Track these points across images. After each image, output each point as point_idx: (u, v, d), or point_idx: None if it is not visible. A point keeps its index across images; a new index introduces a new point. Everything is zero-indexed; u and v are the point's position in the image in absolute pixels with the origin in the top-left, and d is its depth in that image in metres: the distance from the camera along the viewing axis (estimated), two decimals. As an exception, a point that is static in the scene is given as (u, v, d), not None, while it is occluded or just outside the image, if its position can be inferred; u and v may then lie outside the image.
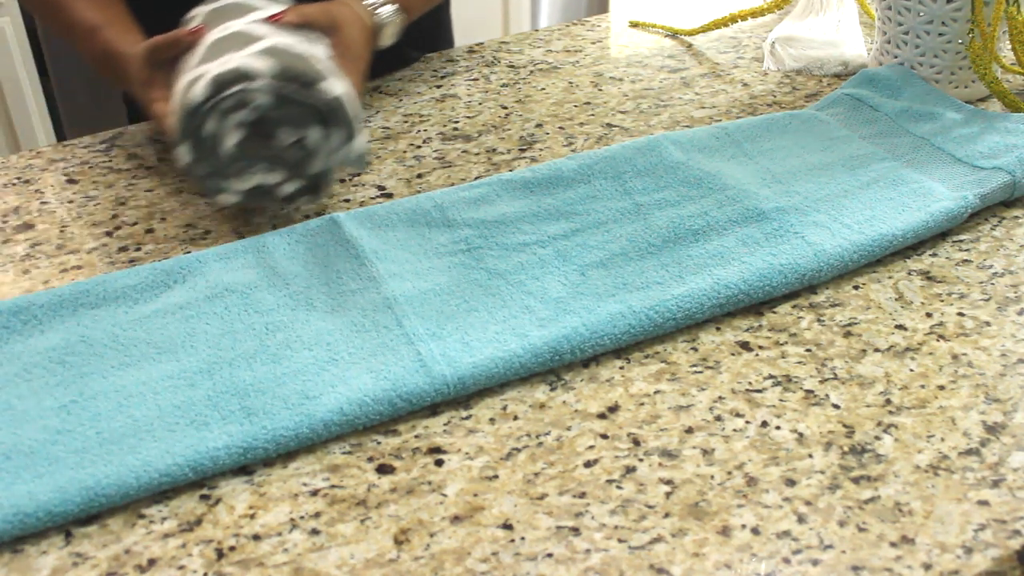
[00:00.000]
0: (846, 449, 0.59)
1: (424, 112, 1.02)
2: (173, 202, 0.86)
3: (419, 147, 0.95)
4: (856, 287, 0.74)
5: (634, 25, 1.25)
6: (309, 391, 0.62)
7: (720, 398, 0.63)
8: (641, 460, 0.59)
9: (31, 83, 2.13)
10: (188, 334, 0.68)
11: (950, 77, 0.99)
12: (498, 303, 0.70)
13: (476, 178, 0.88)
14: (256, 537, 0.54)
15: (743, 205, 0.80)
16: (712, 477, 0.57)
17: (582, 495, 0.56)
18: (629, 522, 0.55)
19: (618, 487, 0.57)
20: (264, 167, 0.77)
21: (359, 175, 0.89)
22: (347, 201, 0.86)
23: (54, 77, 2.12)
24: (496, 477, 0.58)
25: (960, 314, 0.71)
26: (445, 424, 0.62)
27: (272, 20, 0.84)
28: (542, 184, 0.83)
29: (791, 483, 0.57)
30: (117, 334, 0.68)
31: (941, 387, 0.64)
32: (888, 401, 0.63)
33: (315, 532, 0.55)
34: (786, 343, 0.68)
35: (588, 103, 1.04)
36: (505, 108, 1.03)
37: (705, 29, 1.19)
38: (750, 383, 0.65)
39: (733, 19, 1.19)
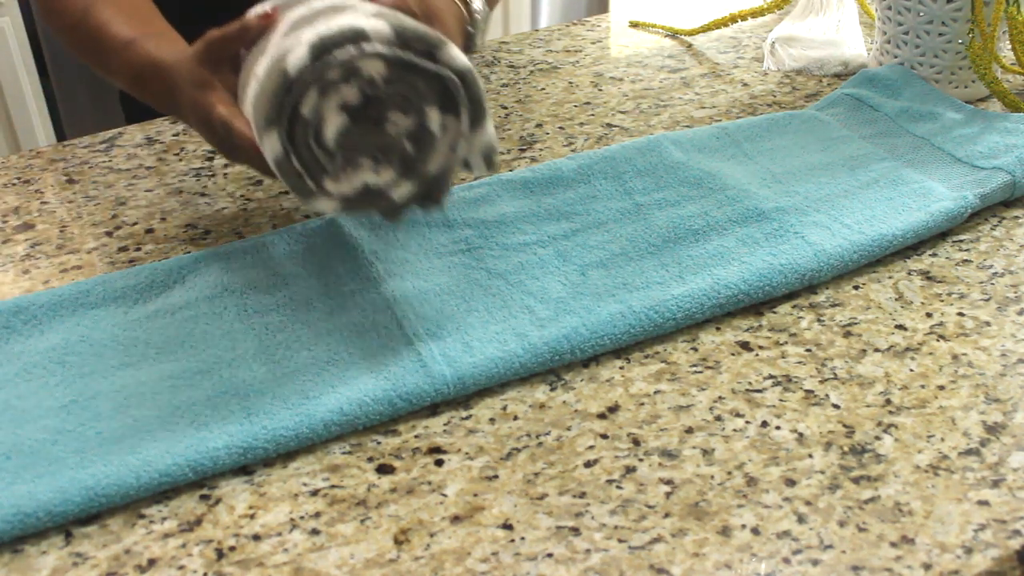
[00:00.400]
0: (846, 449, 0.59)
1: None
2: (173, 202, 0.86)
3: (419, 147, 0.95)
4: (856, 287, 0.74)
5: (634, 25, 1.25)
6: (309, 391, 0.62)
7: (720, 398, 0.63)
8: (641, 460, 0.59)
9: (31, 83, 2.13)
10: (188, 334, 0.68)
11: (950, 77, 0.99)
12: (498, 303, 0.70)
13: (476, 178, 0.88)
14: (256, 537, 0.54)
15: (743, 205, 0.80)
16: (712, 477, 0.57)
17: (582, 495, 0.56)
18: (629, 522, 0.55)
19: (618, 487, 0.57)
20: (370, 163, 0.60)
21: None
22: (347, 201, 0.86)
23: (54, 77, 2.12)
24: (496, 477, 0.58)
25: (960, 314, 0.71)
26: (445, 424, 0.62)
27: None
28: (542, 184, 0.83)
29: (791, 483, 0.57)
30: (117, 334, 0.68)
31: (941, 387, 0.64)
32: (888, 401, 0.63)
33: (315, 532, 0.55)
34: (786, 343, 0.68)
35: (588, 103, 1.04)
36: (505, 108, 1.03)
37: (705, 29, 1.19)
38: (750, 383, 0.65)
39: (733, 19, 1.19)
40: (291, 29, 0.63)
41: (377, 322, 0.68)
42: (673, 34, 1.22)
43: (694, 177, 0.84)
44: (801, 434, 0.60)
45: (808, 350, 0.68)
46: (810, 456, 0.59)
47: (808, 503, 0.55)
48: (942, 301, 0.72)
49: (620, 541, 0.53)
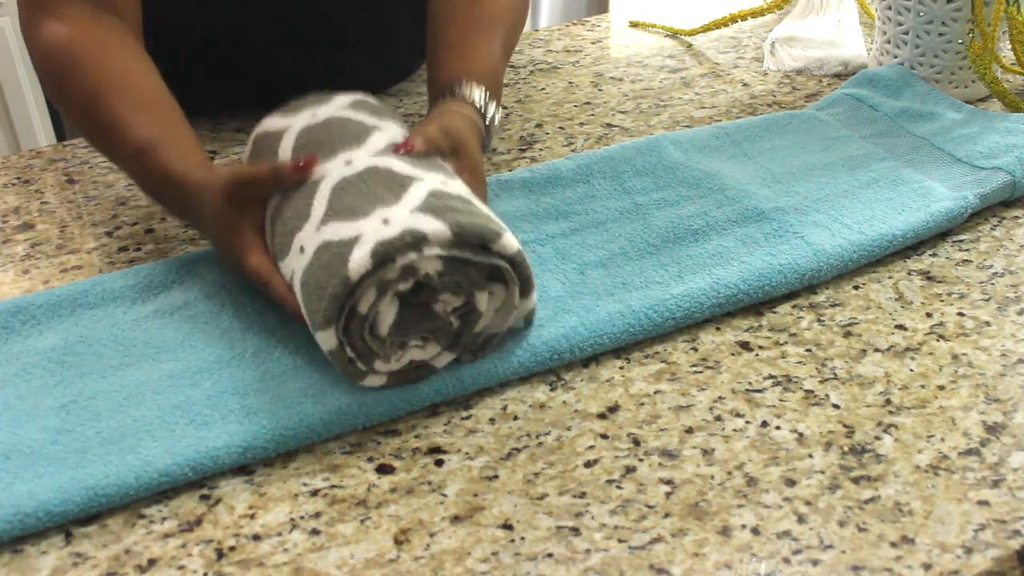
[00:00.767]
0: (846, 449, 0.59)
1: (424, 112, 1.02)
2: (173, 202, 0.86)
3: (419, 147, 0.95)
4: (856, 287, 0.74)
5: (634, 25, 1.25)
6: (308, 390, 0.62)
7: (720, 398, 0.63)
8: (641, 460, 0.59)
9: (31, 83, 2.13)
10: (187, 334, 0.68)
11: (950, 77, 0.99)
12: (498, 303, 0.70)
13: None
14: (256, 537, 0.54)
15: (743, 205, 0.80)
16: (712, 477, 0.57)
17: (582, 495, 0.56)
18: (629, 522, 0.55)
19: (618, 487, 0.57)
20: (417, 341, 0.62)
21: None
22: (347, 201, 0.86)
23: (54, 77, 2.11)
24: (496, 477, 0.58)
25: (960, 314, 0.71)
26: (445, 424, 0.62)
27: (398, 151, 0.68)
28: (541, 184, 0.83)
29: (791, 483, 0.57)
30: (116, 334, 0.68)
31: (941, 387, 0.64)
32: (888, 401, 0.63)
33: (315, 532, 0.55)
34: (786, 343, 0.68)
35: (588, 103, 1.04)
36: (505, 108, 1.03)
37: (705, 29, 1.19)
38: (750, 383, 0.65)
39: (733, 19, 1.19)
40: (334, 202, 0.63)
41: (377, 322, 0.68)
42: (673, 34, 1.22)
43: (693, 177, 0.84)
44: (801, 434, 0.60)
45: (808, 350, 0.68)
46: (810, 456, 0.59)
47: (808, 503, 0.55)
48: (942, 301, 0.72)
49: (620, 541, 0.53)
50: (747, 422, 0.61)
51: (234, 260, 0.69)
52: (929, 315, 0.71)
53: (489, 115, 0.79)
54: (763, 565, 0.52)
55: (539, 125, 0.99)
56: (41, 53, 0.78)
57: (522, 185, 0.83)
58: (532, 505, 0.56)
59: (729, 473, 0.58)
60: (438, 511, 0.56)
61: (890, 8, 1.00)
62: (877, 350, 0.67)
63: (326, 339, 0.60)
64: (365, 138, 0.69)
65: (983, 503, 0.55)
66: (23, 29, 0.80)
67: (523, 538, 0.54)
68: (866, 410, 0.62)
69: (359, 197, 0.63)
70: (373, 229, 0.60)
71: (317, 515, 0.56)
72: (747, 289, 0.70)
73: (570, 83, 1.08)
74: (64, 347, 0.66)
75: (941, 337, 0.69)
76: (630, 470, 0.58)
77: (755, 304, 0.72)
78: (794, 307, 0.72)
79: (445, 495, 0.57)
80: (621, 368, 0.66)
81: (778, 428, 0.61)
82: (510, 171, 0.87)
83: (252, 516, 0.56)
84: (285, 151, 0.70)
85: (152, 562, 0.53)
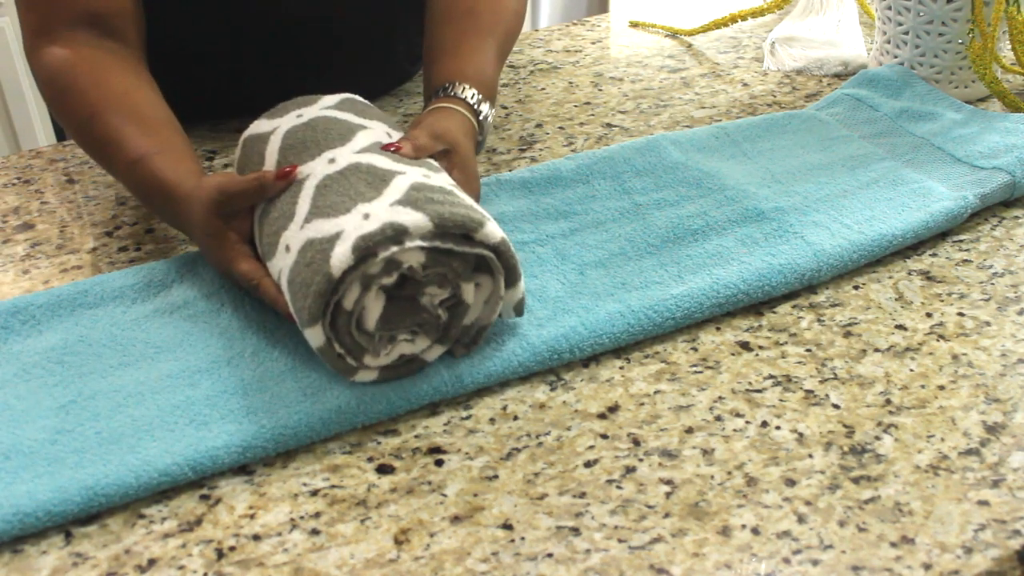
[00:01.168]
0: (846, 449, 0.59)
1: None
2: (173, 202, 0.86)
3: (419, 147, 0.95)
4: (856, 287, 0.74)
5: (634, 25, 1.25)
6: (308, 389, 0.62)
7: (720, 398, 0.63)
8: (641, 460, 0.59)
9: (31, 83, 2.13)
10: (186, 333, 0.68)
11: (950, 77, 0.99)
12: (498, 303, 0.70)
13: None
14: (256, 537, 0.54)
15: (742, 205, 0.80)
16: (712, 477, 0.57)
17: (582, 495, 0.56)
18: (629, 522, 0.55)
19: (618, 487, 0.57)
20: (406, 335, 0.62)
21: None
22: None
23: (54, 77, 2.11)
24: (496, 477, 0.58)
25: (960, 314, 0.71)
26: (445, 424, 0.62)
27: (387, 149, 0.69)
28: (541, 184, 0.83)
29: (791, 483, 0.57)
30: (116, 334, 0.68)
31: (941, 387, 0.64)
32: (888, 401, 0.63)
33: (315, 532, 0.55)
34: (786, 343, 0.68)
35: (588, 103, 1.04)
36: (505, 108, 1.03)
37: (705, 29, 1.19)
38: (750, 383, 0.65)
39: (733, 19, 1.19)
40: (317, 199, 0.64)
41: (377, 322, 0.68)
42: (673, 34, 1.22)
43: (693, 177, 0.84)
44: (801, 434, 0.60)
45: (808, 350, 0.68)
46: (810, 456, 0.59)
47: (808, 503, 0.55)
48: (942, 301, 0.72)
49: (620, 541, 0.53)
50: (747, 422, 0.61)
51: (223, 267, 0.70)
52: (929, 315, 0.71)
53: (483, 114, 0.79)
54: (763, 565, 0.52)
55: (539, 125, 0.99)
56: (43, 78, 0.80)
57: (522, 185, 0.83)
58: (532, 505, 0.56)
59: (729, 473, 0.58)
60: (438, 511, 0.56)
61: (890, 8, 1.00)
62: (877, 350, 0.67)
63: (314, 336, 0.60)
64: (350, 137, 0.69)
65: (983, 503, 0.55)
66: (27, 54, 0.81)
67: (523, 538, 0.54)
68: (866, 410, 0.62)
69: (341, 194, 0.64)
70: (354, 225, 0.60)
71: (317, 515, 0.56)
72: (747, 289, 0.70)
73: (570, 83, 1.08)
74: (64, 347, 0.66)
75: (941, 337, 0.68)
76: (630, 470, 0.58)
77: (755, 304, 0.72)
78: (794, 307, 0.72)
79: (445, 495, 0.57)
80: (621, 368, 0.66)
81: (778, 428, 0.61)
82: (510, 171, 0.87)
83: (252, 516, 0.56)
84: (272, 153, 0.71)
85: (152, 562, 0.53)
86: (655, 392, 0.64)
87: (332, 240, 0.60)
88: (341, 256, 0.59)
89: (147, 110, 0.77)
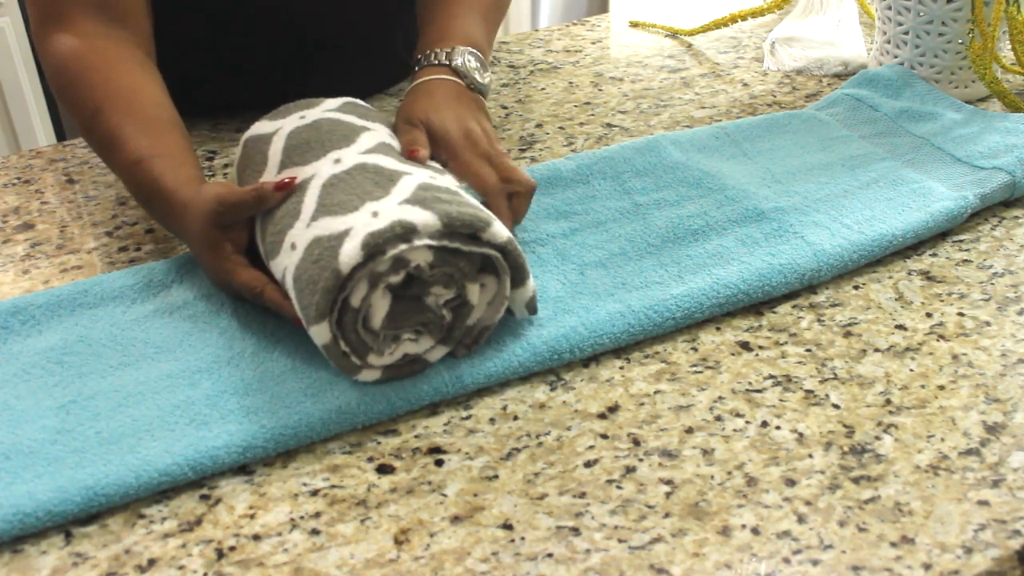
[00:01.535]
0: (846, 449, 0.59)
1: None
2: (173, 202, 0.86)
3: (419, 147, 0.95)
4: (856, 287, 0.74)
5: (634, 25, 1.25)
6: (308, 389, 0.62)
7: (720, 398, 0.63)
8: (641, 460, 0.59)
9: (31, 83, 2.13)
10: (186, 333, 0.68)
11: (950, 77, 0.99)
12: (498, 303, 0.70)
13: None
14: (256, 537, 0.54)
15: (742, 205, 0.80)
16: (712, 477, 0.57)
17: (582, 495, 0.56)
18: (629, 522, 0.55)
19: (618, 487, 0.57)
20: (410, 334, 0.62)
21: None
22: (347, 201, 0.85)
23: (54, 77, 2.11)
24: (496, 477, 0.58)
25: (960, 314, 0.71)
26: (445, 424, 0.62)
27: (410, 155, 0.71)
28: (541, 184, 0.83)
29: (791, 483, 0.57)
30: (116, 334, 0.68)
31: (941, 387, 0.64)
32: (888, 401, 0.63)
33: (315, 532, 0.55)
34: (786, 343, 0.68)
35: (588, 103, 1.04)
36: (505, 108, 1.03)
37: (705, 29, 1.19)
38: (750, 383, 0.65)
39: (733, 19, 1.19)
40: (324, 199, 0.64)
41: (377, 322, 0.68)
42: (673, 34, 1.22)
43: (693, 177, 0.84)
44: (801, 434, 0.60)
45: (808, 350, 0.68)
46: (810, 456, 0.59)
47: (808, 503, 0.55)
48: (942, 301, 0.72)
49: (620, 541, 0.53)
50: (747, 422, 0.61)
51: (221, 278, 0.69)
52: (929, 315, 0.71)
53: (454, 62, 0.80)
54: (763, 565, 0.52)
55: (539, 125, 0.99)
56: (51, 65, 0.79)
57: (522, 185, 0.83)
58: (532, 505, 0.56)
59: (729, 473, 0.58)
60: (438, 511, 0.56)
61: (890, 8, 1.00)
62: (877, 350, 0.67)
63: (320, 333, 0.60)
64: (354, 138, 0.70)
65: (983, 503, 0.55)
66: (35, 41, 0.81)
67: (523, 538, 0.54)
68: (866, 410, 0.62)
69: (348, 193, 0.64)
70: (363, 222, 0.60)
71: (317, 515, 0.56)
72: (747, 289, 0.70)
73: (570, 83, 1.08)
74: (64, 347, 0.66)
75: (941, 337, 0.68)
76: (630, 470, 0.58)
77: (755, 304, 0.72)
78: (794, 307, 0.72)
79: (445, 495, 0.57)
80: (621, 368, 0.66)
81: (778, 428, 0.61)
82: (510, 171, 0.87)
83: (252, 516, 0.56)
84: (275, 153, 0.71)
85: (152, 562, 0.53)
86: (655, 392, 0.64)
87: (341, 237, 0.60)
88: (350, 252, 0.59)
89: (152, 110, 0.76)
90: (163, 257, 0.78)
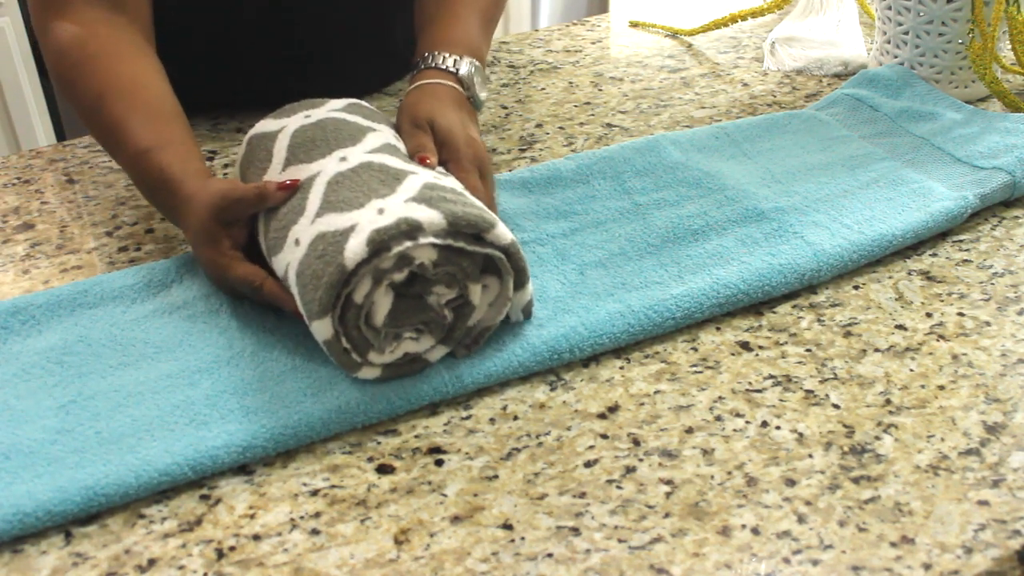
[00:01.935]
0: (846, 449, 0.59)
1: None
2: (173, 202, 0.86)
3: (419, 147, 0.95)
4: (856, 287, 0.74)
5: (634, 25, 1.25)
6: (307, 389, 0.62)
7: (720, 398, 0.63)
8: (641, 460, 0.59)
9: (31, 83, 2.13)
10: (186, 333, 0.68)
11: (950, 77, 0.99)
12: (498, 303, 0.70)
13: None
14: (256, 537, 0.54)
15: (742, 205, 0.80)
16: (712, 477, 0.57)
17: (582, 495, 0.56)
18: (629, 522, 0.55)
19: (618, 487, 0.57)
20: (411, 332, 0.62)
21: None
22: (347, 201, 0.85)
23: (54, 77, 2.11)
24: (496, 477, 0.58)
25: (960, 314, 0.71)
26: (445, 424, 0.62)
27: (422, 162, 0.71)
28: (541, 184, 0.83)
29: (791, 483, 0.57)
30: (115, 334, 0.68)
31: (941, 387, 0.64)
32: (888, 401, 0.63)
33: (315, 532, 0.55)
34: (786, 343, 0.68)
35: (588, 103, 1.04)
36: (505, 108, 1.03)
37: (705, 29, 1.19)
38: (750, 383, 0.65)
39: (733, 19, 1.19)
40: (329, 196, 0.64)
41: (377, 322, 0.68)
42: (673, 34, 1.22)
43: (693, 177, 0.84)
44: (801, 434, 0.60)
45: (808, 350, 0.68)
46: (810, 456, 0.59)
47: (808, 503, 0.55)
48: (942, 301, 0.72)
49: (620, 541, 0.53)
50: (747, 422, 0.61)
51: (218, 273, 0.69)
52: (929, 315, 0.71)
53: (460, 71, 0.80)
54: (763, 565, 0.52)
55: (539, 125, 0.99)
56: (51, 53, 0.79)
57: (522, 185, 0.83)
58: (532, 505, 0.56)
59: (729, 473, 0.58)
60: (438, 511, 0.56)
61: (890, 8, 1.00)
62: (877, 350, 0.67)
63: (322, 328, 0.60)
64: (360, 137, 0.70)
65: (983, 503, 0.55)
66: (35, 28, 0.80)
67: (523, 538, 0.54)
68: (866, 410, 0.62)
69: (354, 190, 0.64)
70: (368, 219, 0.60)
71: (317, 515, 0.56)
72: (747, 289, 0.70)
73: (570, 83, 1.08)
74: (63, 347, 0.66)
75: (941, 337, 0.68)
76: (630, 470, 0.58)
77: (755, 304, 0.72)
78: (794, 307, 0.72)
79: (445, 495, 0.57)
80: (621, 368, 0.66)
81: (778, 428, 0.61)
82: (510, 171, 0.87)
83: (252, 516, 0.56)
84: (280, 150, 0.71)
85: (152, 562, 0.53)
86: (655, 392, 0.64)
87: (346, 233, 0.60)
88: (355, 248, 0.59)
89: (156, 100, 0.76)
90: (163, 257, 0.78)
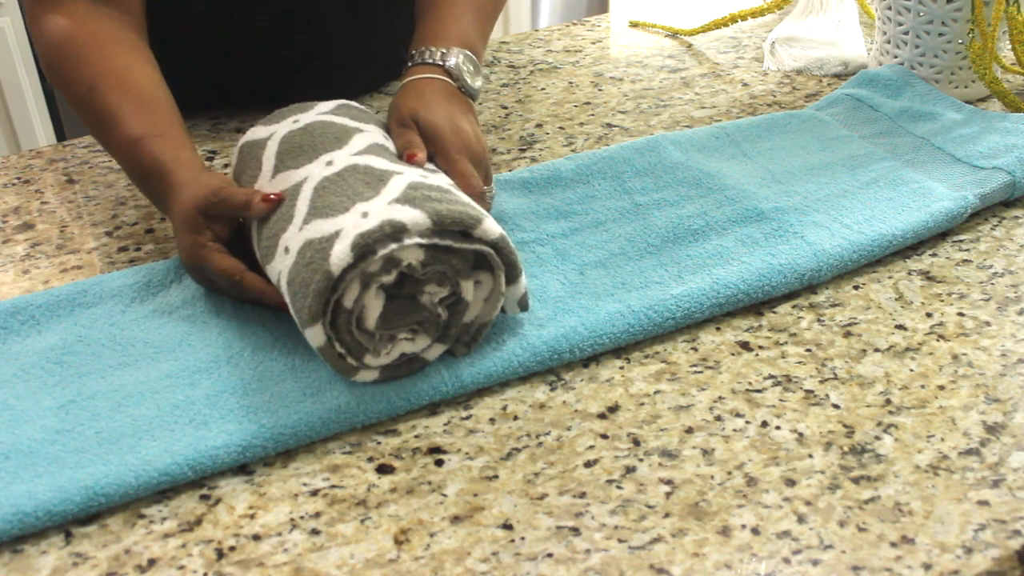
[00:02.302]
0: (846, 449, 0.59)
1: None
2: (173, 202, 0.86)
3: (419, 147, 0.95)
4: (856, 287, 0.74)
5: (634, 25, 1.25)
6: (307, 389, 0.62)
7: (720, 398, 0.63)
8: (641, 460, 0.59)
9: (31, 83, 2.13)
10: (186, 333, 0.68)
11: (950, 77, 0.99)
12: (498, 303, 0.70)
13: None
14: (256, 537, 0.54)
15: (742, 205, 0.80)
16: (712, 477, 0.57)
17: (582, 495, 0.56)
18: (629, 522, 0.55)
19: (618, 487, 0.57)
20: (406, 333, 0.62)
21: None
22: (347, 201, 0.85)
23: (54, 77, 2.11)
24: (496, 477, 0.58)
25: (960, 314, 0.71)
26: (445, 424, 0.62)
27: (409, 160, 0.71)
28: (541, 184, 0.83)
29: (791, 483, 0.57)
30: (115, 334, 0.68)
31: (941, 387, 0.64)
32: (888, 401, 0.63)
33: (315, 532, 0.55)
34: (786, 343, 0.68)
35: (588, 103, 1.04)
36: (505, 108, 1.03)
37: (705, 29, 1.19)
38: (750, 383, 0.65)
39: (733, 19, 1.19)
40: (315, 201, 0.64)
41: (377, 322, 0.68)
42: (673, 34, 1.22)
43: (693, 177, 0.84)
44: (801, 434, 0.60)
45: (808, 350, 0.68)
46: (810, 456, 0.59)
47: (808, 503, 0.55)
48: (942, 301, 0.72)
49: (620, 541, 0.53)
50: (747, 422, 0.61)
51: (196, 261, 0.69)
52: (929, 315, 0.71)
53: (448, 63, 0.80)
54: (763, 565, 0.52)
55: (539, 125, 0.99)
56: (43, 46, 0.80)
57: (522, 185, 0.83)
58: (532, 505, 0.56)
59: (729, 473, 0.58)
60: (438, 511, 0.56)
61: (890, 8, 1.00)
62: (877, 350, 0.67)
63: (314, 335, 0.60)
64: (346, 140, 0.70)
65: (983, 503, 0.55)
66: (28, 22, 0.81)
67: (523, 538, 0.54)
68: (866, 410, 0.62)
69: (339, 194, 0.64)
70: (353, 223, 0.60)
71: (317, 515, 0.56)
72: (747, 289, 0.70)
73: (570, 83, 1.08)
74: (63, 347, 0.66)
75: (941, 337, 0.68)
76: (630, 470, 0.58)
77: (755, 304, 0.72)
78: (794, 307, 0.72)
79: (445, 495, 0.57)
80: (621, 368, 0.66)
81: (778, 428, 0.61)
82: (510, 171, 0.87)
83: (252, 516, 0.56)
84: (269, 157, 0.71)
85: (152, 562, 0.53)
86: (655, 392, 0.64)
87: (331, 239, 0.60)
88: (340, 254, 0.59)
89: (148, 89, 0.77)
90: (163, 257, 0.78)
